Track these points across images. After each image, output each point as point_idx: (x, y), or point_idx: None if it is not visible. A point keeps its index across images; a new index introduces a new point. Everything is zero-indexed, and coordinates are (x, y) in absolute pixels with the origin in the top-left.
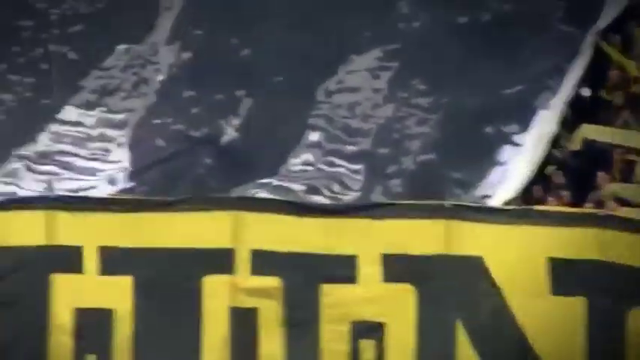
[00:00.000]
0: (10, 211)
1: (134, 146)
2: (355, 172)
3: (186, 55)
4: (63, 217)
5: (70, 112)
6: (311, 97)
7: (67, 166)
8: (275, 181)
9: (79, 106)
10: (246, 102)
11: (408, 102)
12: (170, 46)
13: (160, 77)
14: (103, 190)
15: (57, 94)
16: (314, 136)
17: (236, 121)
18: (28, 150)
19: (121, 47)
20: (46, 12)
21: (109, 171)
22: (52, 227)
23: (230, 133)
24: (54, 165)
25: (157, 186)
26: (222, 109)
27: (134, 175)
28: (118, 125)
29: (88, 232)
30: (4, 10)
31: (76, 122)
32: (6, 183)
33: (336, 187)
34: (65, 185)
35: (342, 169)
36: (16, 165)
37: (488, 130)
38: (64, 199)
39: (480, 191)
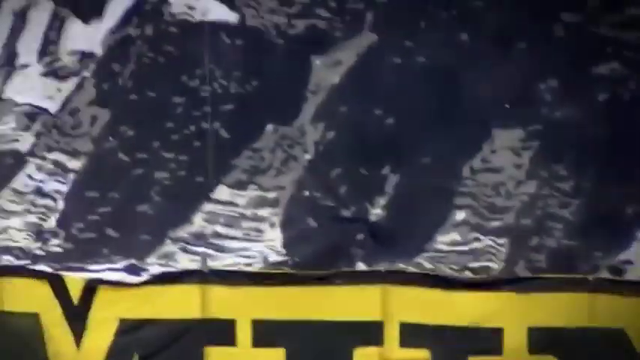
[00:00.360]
0: (167, 285)
1: (286, 225)
2: (499, 245)
3: (331, 134)
4: (217, 291)
5: (223, 192)
6: (457, 175)
7: (220, 248)
8: (422, 258)
9: (231, 186)
10: (391, 179)
11: (550, 183)
12: (316, 125)
13: (308, 156)
14: (256, 266)
15: (211, 172)
16: (460, 215)
17: (383, 200)
18: (184, 231)
19: (270, 127)
20: (198, 90)
21: (262, 248)
22: (206, 301)
23: (377, 211)
24: (208, 247)
25: (308, 261)
26: (368, 187)
27: (286, 251)
28: (270, 204)
29: (242, 306)
30: (159, 87)
31: (228, 202)
32: (161, 265)
33: (481, 262)
34: (219, 263)
35: (486, 244)
36: (172, 247)
37: (630, 211)
38: (218, 273)
39: (621, 257)
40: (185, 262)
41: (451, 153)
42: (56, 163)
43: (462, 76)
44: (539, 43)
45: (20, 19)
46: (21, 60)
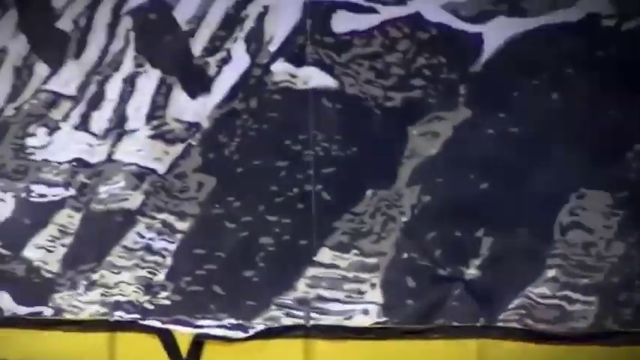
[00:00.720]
0: (271, 339)
1: (386, 286)
2: (589, 303)
3: (427, 198)
4: (320, 345)
5: (325, 254)
6: (548, 235)
7: (323, 311)
8: (515, 313)
9: (333, 248)
10: (486, 241)
11: (638, 247)
12: (411, 189)
13: (404, 219)
14: (358, 321)
15: (314, 235)
16: (551, 273)
17: (477, 261)
18: (288, 297)
19: (370, 192)
20: (301, 153)
21: (363, 307)
22: (309, 354)
23: (472, 271)
24: (312, 310)
25: (407, 318)
26: (464, 249)
27: (387, 310)
28: (371, 268)
29: (343, 359)
30: (264, 153)
31: (331, 264)
32: (266, 325)
33: (570, 318)
34: (322, 322)
35: (575, 300)
36: (276, 313)
37: None
38: (321, 328)
39: None
40: (289, 323)
41: (542, 215)
42: (164, 223)
43: (553, 140)
44: (629, 109)
45: (129, 85)
46: (130, 124)
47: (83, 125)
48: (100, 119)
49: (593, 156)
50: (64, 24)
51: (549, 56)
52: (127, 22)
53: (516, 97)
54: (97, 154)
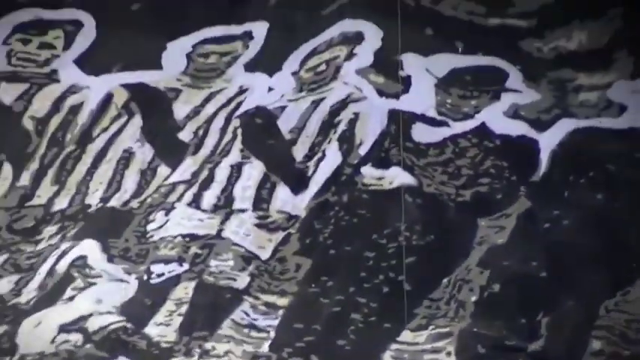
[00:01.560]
0: None
1: (459, 352)
2: None
3: (496, 286)
4: None
5: (407, 335)
6: (595, 313)
7: None
8: None
9: (413, 330)
10: (544, 322)
11: None
12: (482, 271)
13: (474, 298)
14: None
15: (397, 320)
16: (597, 345)
17: (539, 342)
18: None
19: (445, 281)
20: (386, 246)
21: None
22: None
23: (534, 346)
24: None
25: None
26: (525, 330)
27: None
28: (445, 338)
29: None
30: (354, 243)
31: (412, 342)
32: None
33: None
34: None
35: None
36: None
37: None
38: None
39: None
40: None
41: (593, 296)
42: (267, 304)
43: (599, 234)
44: None
45: (236, 170)
46: (237, 205)
47: (195, 203)
48: (210, 197)
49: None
50: (185, 135)
51: (596, 155)
52: (235, 122)
53: (567, 197)
54: (207, 227)
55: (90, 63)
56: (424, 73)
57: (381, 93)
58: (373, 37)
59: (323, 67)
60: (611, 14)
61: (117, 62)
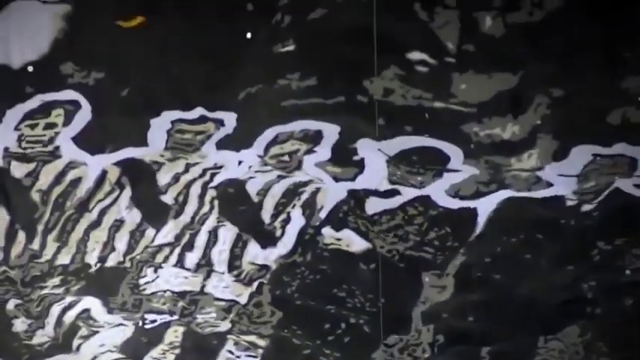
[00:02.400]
0: None
1: None
2: None
3: (439, 337)
4: None
5: None
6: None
7: None
8: None
9: None
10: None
11: None
12: (428, 328)
13: (426, 355)
14: None
15: None
16: None
17: None
18: None
19: (394, 337)
20: (345, 300)
21: None
22: None
23: None
24: None
25: None
26: None
27: None
28: None
29: None
30: (317, 298)
31: None
32: None
33: None
34: None
35: None
36: None
37: None
38: None
39: None
40: None
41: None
42: (250, 342)
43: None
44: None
45: (213, 235)
46: (216, 267)
47: (180, 263)
48: (192, 259)
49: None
50: (167, 198)
51: (526, 220)
52: (212, 193)
53: (499, 252)
54: (191, 284)
55: (86, 142)
56: (377, 152)
57: (337, 180)
58: (331, 134)
59: (286, 157)
60: (538, 101)
61: (110, 143)
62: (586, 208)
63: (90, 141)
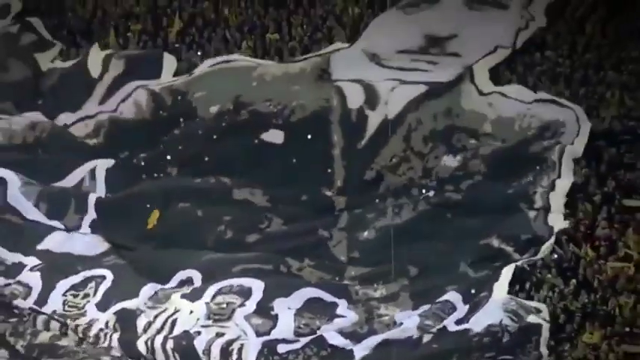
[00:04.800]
0: None
1: None
2: None
3: None
4: None
5: None
6: None
7: None
8: None
9: None
10: None
11: None
12: None
13: None
14: None
15: None
16: None
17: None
18: None
19: None
20: None
21: None
22: None
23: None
24: None
25: None
26: None
27: None
28: None
29: None
30: None
31: None
32: None
33: None
34: None
35: None
36: None
37: None
38: None
39: None
40: None
41: None
42: None
43: None
44: None
45: None
46: None
47: None
48: None
49: None
50: (141, 346)
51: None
52: (170, 343)
53: None
54: None
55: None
56: (287, 309)
57: (258, 333)
58: (257, 290)
59: (224, 306)
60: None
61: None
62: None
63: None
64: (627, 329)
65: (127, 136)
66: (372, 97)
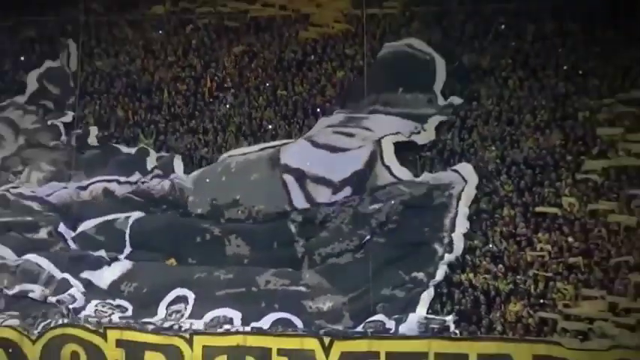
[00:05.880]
0: None
1: None
2: None
3: None
4: None
5: None
6: None
7: None
8: None
9: None
10: None
11: None
12: None
13: None
14: None
15: None
16: None
17: None
18: None
19: None
20: None
21: None
22: None
23: None
24: None
25: None
26: None
27: None
28: None
29: None
30: None
31: None
32: None
33: None
34: None
35: None
36: None
37: None
38: None
39: None
40: None
41: None
42: None
43: None
44: None
45: None
46: None
47: None
48: None
49: None
50: None
51: None
52: None
53: None
54: None
55: None
56: None
57: None
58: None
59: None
60: None
61: None
62: None
63: None
64: (541, 301)
65: None
66: None
